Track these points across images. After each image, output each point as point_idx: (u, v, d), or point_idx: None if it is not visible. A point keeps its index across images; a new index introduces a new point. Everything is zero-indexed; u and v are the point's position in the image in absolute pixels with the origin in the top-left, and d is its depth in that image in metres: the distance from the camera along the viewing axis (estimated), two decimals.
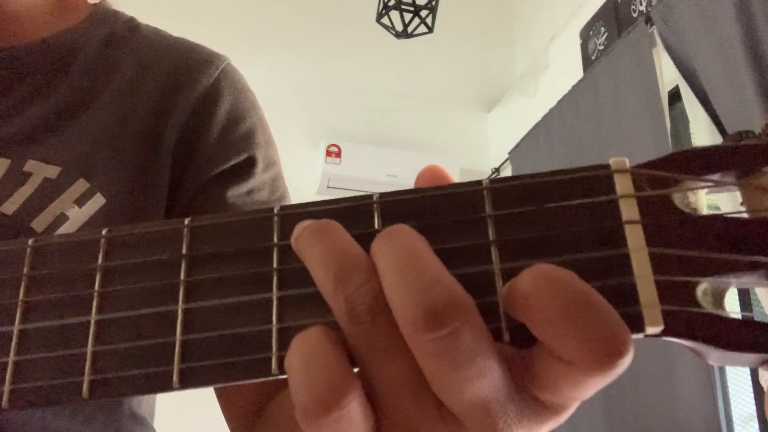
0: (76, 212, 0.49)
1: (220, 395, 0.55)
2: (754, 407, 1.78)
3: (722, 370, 1.87)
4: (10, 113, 0.52)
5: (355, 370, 0.24)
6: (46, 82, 0.54)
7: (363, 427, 0.23)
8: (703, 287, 0.23)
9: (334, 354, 0.23)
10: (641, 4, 2.23)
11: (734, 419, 1.81)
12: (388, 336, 0.23)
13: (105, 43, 0.58)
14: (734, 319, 0.23)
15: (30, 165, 0.49)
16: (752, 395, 1.79)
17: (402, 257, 0.23)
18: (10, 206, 0.48)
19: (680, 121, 2.09)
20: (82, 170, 0.51)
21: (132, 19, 0.62)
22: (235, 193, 0.55)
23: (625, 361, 0.21)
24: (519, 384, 0.24)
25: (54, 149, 0.51)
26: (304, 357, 0.23)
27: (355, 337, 0.24)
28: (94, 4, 0.62)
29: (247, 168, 0.57)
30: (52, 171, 0.50)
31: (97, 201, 0.50)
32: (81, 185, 0.50)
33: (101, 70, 0.57)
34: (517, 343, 0.24)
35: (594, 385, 0.22)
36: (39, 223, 0.48)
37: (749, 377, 1.81)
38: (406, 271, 0.22)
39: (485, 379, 0.22)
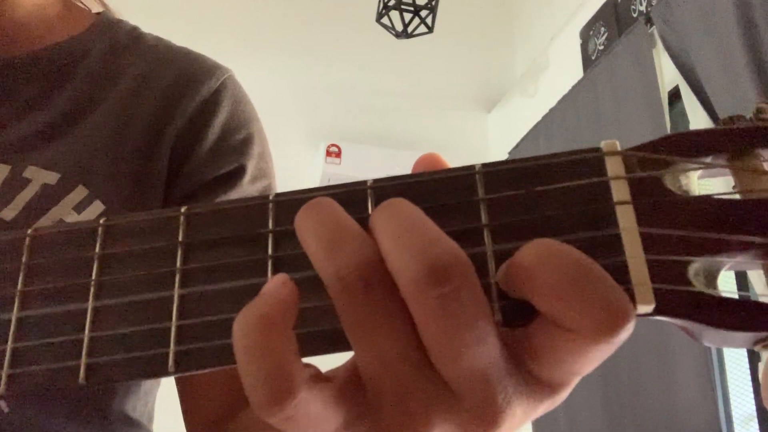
0: (75, 218, 0.49)
1: (185, 399, 0.55)
2: (754, 407, 1.78)
3: (722, 370, 1.87)
4: (11, 120, 0.53)
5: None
6: (48, 90, 0.55)
7: (332, 420, 0.23)
8: (695, 267, 0.23)
9: (278, 349, 0.22)
10: (641, 4, 2.23)
11: (734, 419, 1.81)
12: (383, 307, 0.23)
13: (108, 51, 0.59)
14: (726, 298, 0.23)
15: (30, 171, 0.50)
16: (752, 395, 1.79)
17: (402, 221, 0.23)
18: (9, 212, 0.48)
19: (680, 121, 2.09)
20: (82, 177, 0.51)
21: (135, 29, 0.63)
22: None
23: (628, 329, 0.22)
24: (517, 361, 0.24)
25: (54, 156, 0.51)
26: (246, 353, 0.23)
27: (347, 310, 0.23)
28: (98, 13, 0.63)
29: (234, 177, 0.57)
30: (52, 177, 0.50)
31: (96, 207, 0.51)
32: (80, 192, 0.50)
33: (103, 79, 0.57)
34: (509, 323, 0.24)
35: (596, 357, 0.23)
36: None
37: (749, 377, 1.81)
38: (408, 232, 0.23)
39: (484, 347, 0.22)
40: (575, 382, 0.25)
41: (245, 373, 0.23)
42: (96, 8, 0.64)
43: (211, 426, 0.53)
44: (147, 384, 0.56)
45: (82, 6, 0.63)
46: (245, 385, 0.23)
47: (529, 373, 0.24)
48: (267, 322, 0.23)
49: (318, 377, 0.24)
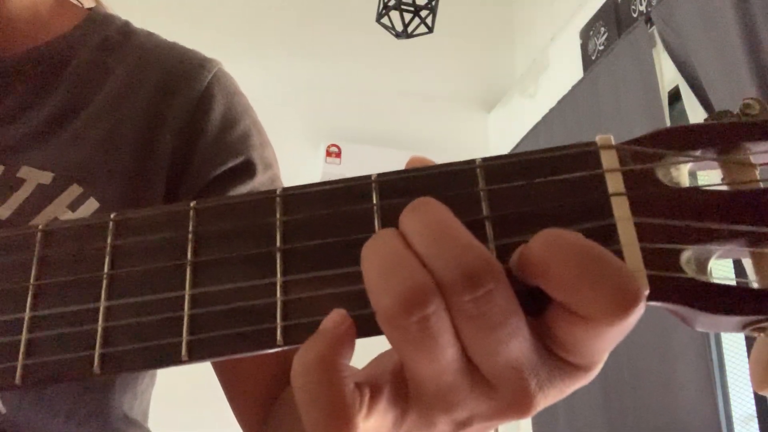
0: (69, 216, 0.50)
1: (231, 397, 0.57)
2: (754, 407, 1.78)
3: (722, 370, 1.87)
4: (4, 121, 0.53)
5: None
6: (40, 90, 0.55)
7: (383, 427, 0.25)
8: (686, 255, 0.24)
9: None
10: (641, 4, 2.24)
11: (734, 419, 1.81)
12: (433, 330, 0.24)
13: (99, 48, 0.59)
14: (716, 284, 0.24)
15: (24, 171, 0.50)
16: (752, 395, 1.79)
17: (435, 226, 0.24)
18: (5, 211, 0.48)
19: (680, 121, 2.10)
20: (76, 176, 0.51)
21: (126, 24, 0.63)
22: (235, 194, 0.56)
23: (640, 309, 0.23)
24: (547, 349, 0.25)
25: (48, 155, 0.52)
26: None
27: (400, 338, 0.24)
28: (89, 9, 0.63)
29: (245, 170, 0.58)
30: (46, 177, 0.51)
31: (91, 205, 0.51)
32: (74, 190, 0.51)
33: (94, 76, 0.57)
34: (525, 311, 0.25)
35: (615, 337, 0.24)
36: None
37: (749, 377, 1.81)
38: (442, 238, 0.24)
39: (517, 341, 0.24)
40: (605, 357, 0.26)
41: (305, 411, 0.24)
42: (89, 3, 0.64)
43: (258, 406, 0.55)
44: (143, 383, 0.56)
45: (75, 2, 0.63)
46: (305, 420, 0.24)
47: (559, 358, 0.25)
48: (325, 362, 0.24)
49: (371, 395, 0.25)
